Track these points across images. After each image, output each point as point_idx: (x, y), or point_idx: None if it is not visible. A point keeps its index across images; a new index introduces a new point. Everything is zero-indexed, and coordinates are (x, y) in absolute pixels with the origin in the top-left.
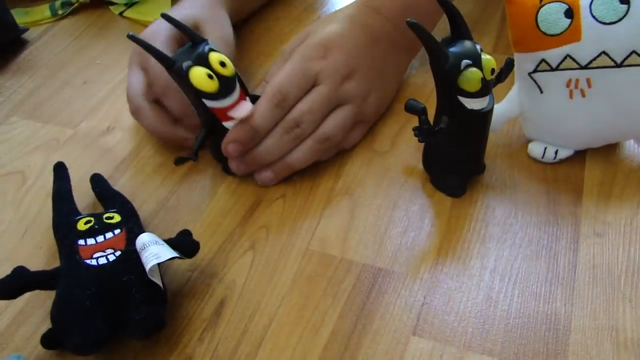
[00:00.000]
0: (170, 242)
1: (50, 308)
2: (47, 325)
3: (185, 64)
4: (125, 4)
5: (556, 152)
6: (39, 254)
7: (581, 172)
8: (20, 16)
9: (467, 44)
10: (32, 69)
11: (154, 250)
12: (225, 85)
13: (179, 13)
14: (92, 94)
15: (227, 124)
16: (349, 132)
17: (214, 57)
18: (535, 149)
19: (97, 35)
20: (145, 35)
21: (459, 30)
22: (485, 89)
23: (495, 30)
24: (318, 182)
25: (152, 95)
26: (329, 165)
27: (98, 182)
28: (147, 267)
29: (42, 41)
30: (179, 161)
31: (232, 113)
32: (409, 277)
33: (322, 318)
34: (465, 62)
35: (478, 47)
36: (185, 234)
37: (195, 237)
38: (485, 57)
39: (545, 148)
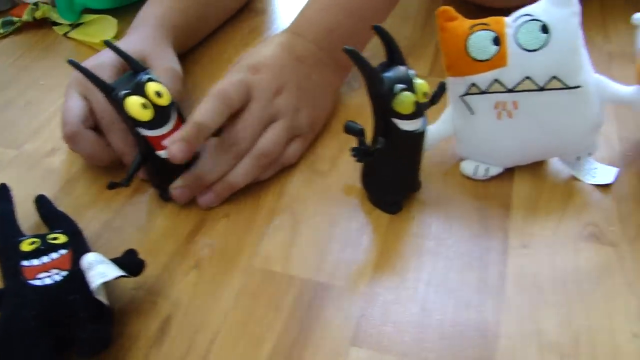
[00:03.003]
0: (116, 261)
1: None
2: None
3: (121, 93)
4: (70, 25)
5: (487, 170)
6: None
7: (510, 189)
8: None
9: (401, 69)
10: None
11: (100, 269)
12: (160, 115)
13: (125, 46)
14: (35, 115)
15: (161, 153)
16: (286, 146)
17: (151, 87)
18: (467, 167)
19: (40, 55)
20: (89, 63)
21: (394, 56)
22: (418, 111)
23: (432, 55)
24: (261, 202)
25: (95, 124)
26: (271, 185)
27: (43, 203)
28: (93, 285)
29: None
30: (111, 185)
31: (166, 142)
32: (347, 291)
33: (264, 332)
34: (398, 86)
35: (411, 72)
36: (131, 253)
37: (141, 256)
38: (418, 81)
39: (477, 166)
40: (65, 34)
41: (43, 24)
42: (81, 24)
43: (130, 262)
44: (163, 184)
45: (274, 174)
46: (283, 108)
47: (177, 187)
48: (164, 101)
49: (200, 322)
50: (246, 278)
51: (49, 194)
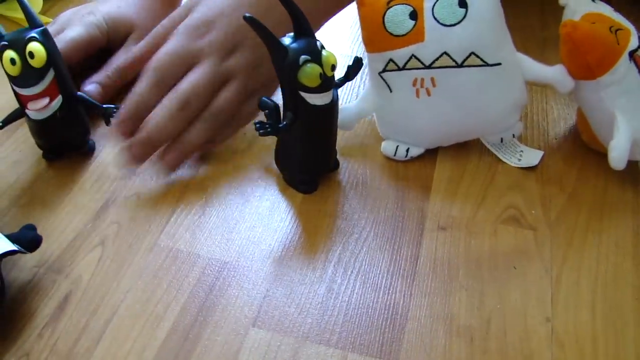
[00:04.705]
0: (12, 237)
1: None
2: None
3: (2, 43)
4: None
5: (407, 151)
6: None
7: (431, 170)
8: None
9: (308, 40)
10: None
11: None
12: (28, 75)
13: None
14: None
15: (29, 112)
16: (243, 104)
17: (30, 47)
18: (387, 147)
19: None
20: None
21: (301, 28)
22: (326, 84)
23: None
24: (174, 180)
25: None
26: (185, 164)
27: None
28: None
29: None
30: None
31: (29, 104)
32: (253, 271)
33: (164, 311)
34: (303, 57)
35: (319, 43)
36: (29, 228)
37: (46, 234)
38: (325, 53)
39: (397, 146)
40: None
41: None
42: None
43: (26, 237)
44: (42, 143)
45: (231, 136)
46: (239, 67)
47: (127, 146)
48: (35, 63)
49: (99, 301)
50: (150, 256)
51: None
